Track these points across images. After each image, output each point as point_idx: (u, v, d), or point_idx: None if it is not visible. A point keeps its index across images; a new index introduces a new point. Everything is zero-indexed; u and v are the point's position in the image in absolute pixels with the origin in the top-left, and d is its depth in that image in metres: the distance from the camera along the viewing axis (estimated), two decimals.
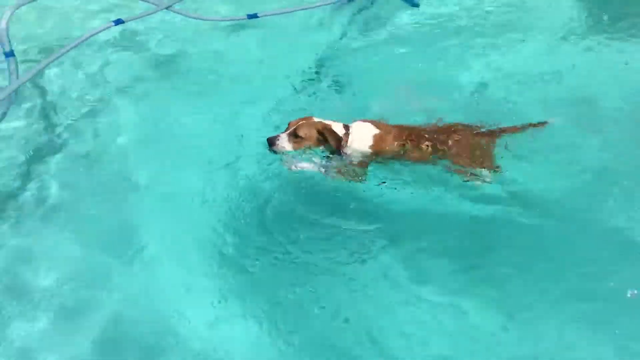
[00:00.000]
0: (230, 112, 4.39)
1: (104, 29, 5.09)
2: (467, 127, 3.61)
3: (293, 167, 3.43)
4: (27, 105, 4.79)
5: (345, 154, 3.37)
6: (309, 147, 3.27)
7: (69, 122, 4.60)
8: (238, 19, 5.67)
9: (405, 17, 5.75)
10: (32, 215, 3.70)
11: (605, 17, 5.44)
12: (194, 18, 5.68)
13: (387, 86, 4.50)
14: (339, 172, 3.42)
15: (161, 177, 3.94)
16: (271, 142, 3.21)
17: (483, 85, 4.52)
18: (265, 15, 5.64)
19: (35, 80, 5.00)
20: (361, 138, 3.37)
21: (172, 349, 2.87)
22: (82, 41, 4.93)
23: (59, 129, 4.54)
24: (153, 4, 5.68)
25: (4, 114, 4.52)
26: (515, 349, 2.76)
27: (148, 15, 5.47)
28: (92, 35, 5.01)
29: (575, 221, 3.31)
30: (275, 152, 3.25)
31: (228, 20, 5.75)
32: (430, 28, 5.51)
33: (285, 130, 3.26)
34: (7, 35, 4.97)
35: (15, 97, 4.67)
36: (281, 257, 3.23)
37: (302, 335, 2.88)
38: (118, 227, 3.56)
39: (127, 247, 3.39)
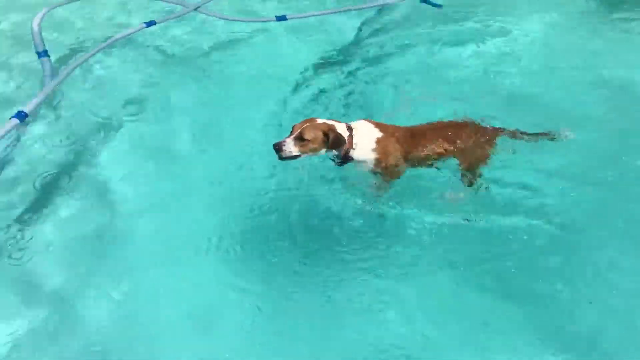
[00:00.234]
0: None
1: (136, 31, 5.13)
2: (475, 125, 3.58)
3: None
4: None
5: (351, 157, 3.30)
6: (315, 150, 3.19)
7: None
8: (266, 20, 5.68)
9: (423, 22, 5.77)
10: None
11: None
12: (223, 18, 5.70)
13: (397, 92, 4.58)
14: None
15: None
16: (278, 148, 3.12)
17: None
18: (294, 18, 5.65)
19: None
20: (365, 141, 3.29)
21: None
22: (114, 41, 4.98)
23: (86, 127, 4.57)
24: (181, 4, 5.74)
25: (36, 113, 4.56)
26: None
27: (179, 16, 5.51)
28: (124, 37, 5.05)
29: None
30: (283, 158, 3.17)
31: (257, 22, 5.76)
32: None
33: (290, 135, 3.17)
34: (40, 36, 5.03)
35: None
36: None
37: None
38: None
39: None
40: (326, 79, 4.89)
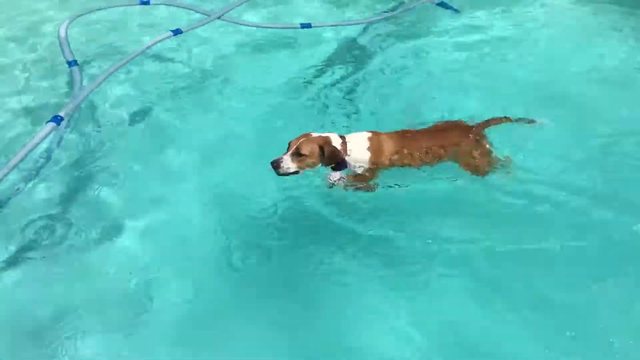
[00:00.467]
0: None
1: (163, 39, 5.15)
2: (461, 125, 3.63)
3: (336, 181, 3.41)
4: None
5: (349, 163, 3.34)
6: (313, 164, 3.22)
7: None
8: (291, 27, 5.72)
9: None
10: None
11: None
12: (247, 25, 5.74)
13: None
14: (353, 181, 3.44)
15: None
16: (276, 165, 3.12)
17: None
18: (318, 26, 5.70)
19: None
20: (359, 148, 3.35)
21: None
22: (143, 51, 5.00)
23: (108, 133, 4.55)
24: (204, 13, 5.77)
25: (69, 122, 4.56)
26: None
27: (203, 24, 5.54)
28: (152, 45, 5.07)
29: None
30: (281, 174, 3.17)
31: (281, 28, 5.79)
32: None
33: (287, 151, 3.18)
34: (68, 45, 5.05)
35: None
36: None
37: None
38: None
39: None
40: (332, 86, 4.88)
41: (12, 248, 3.37)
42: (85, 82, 4.74)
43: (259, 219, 3.51)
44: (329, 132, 3.38)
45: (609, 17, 5.79)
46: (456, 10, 6.10)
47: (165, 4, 6.12)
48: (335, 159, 3.23)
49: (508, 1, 6.24)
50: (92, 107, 4.69)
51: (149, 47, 5.04)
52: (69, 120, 4.31)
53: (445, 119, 3.86)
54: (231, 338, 2.88)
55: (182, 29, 5.30)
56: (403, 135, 3.49)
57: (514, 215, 3.41)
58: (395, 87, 4.83)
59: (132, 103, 4.74)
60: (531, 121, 3.72)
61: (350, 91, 4.77)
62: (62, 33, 5.15)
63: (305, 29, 5.63)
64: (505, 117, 3.67)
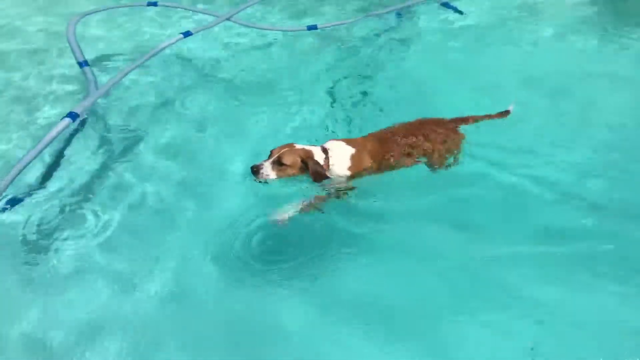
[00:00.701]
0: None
1: (174, 42, 5.22)
2: (434, 121, 3.66)
3: (280, 219, 3.23)
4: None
5: (328, 176, 3.25)
6: (293, 175, 3.19)
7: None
8: (298, 30, 5.82)
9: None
10: None
11: None
12: (255, 27, 5.83)
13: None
14: (321, 200, 3.34)
15: None
16: (255, 170, 3.11)
17: None
18: (324, 27, 5.80)
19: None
20: (340, 162, 3.31)
21: None
22: (155, 53, 5.07)
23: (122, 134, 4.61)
24: (214, 15, 5.87)
25: (84, 120, 4.63)
26: None
27: (213, 26, 5.63)
28: (164, 48, 5.14)
29: None
30: (259, 181, 3.15)
31: (288, 31, 5.88)
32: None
33: (269, 158, 3.16)
34: (78, 45, 5.11)
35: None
36: None
37: None
38: None
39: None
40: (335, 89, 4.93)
41: None
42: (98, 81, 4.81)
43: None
44: (312, 145, 3.33)
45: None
46: (460, 12, 6.20)
47: (172, 7, 6.22)
48: (320, 178, 3.18)
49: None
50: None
51: (162, 49, 5.11)
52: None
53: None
54: None
55: (192, 31, 5.38)
56: (385, 141, 3.46)
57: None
58: (395, 86, 4.89)
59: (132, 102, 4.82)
60: (505, 112, 3.76)
61: (349, 91, 4.84)
62: (71, 35, 5.20)
63: (311, 31, 5.74)
64: (487, 115, 3.73)
